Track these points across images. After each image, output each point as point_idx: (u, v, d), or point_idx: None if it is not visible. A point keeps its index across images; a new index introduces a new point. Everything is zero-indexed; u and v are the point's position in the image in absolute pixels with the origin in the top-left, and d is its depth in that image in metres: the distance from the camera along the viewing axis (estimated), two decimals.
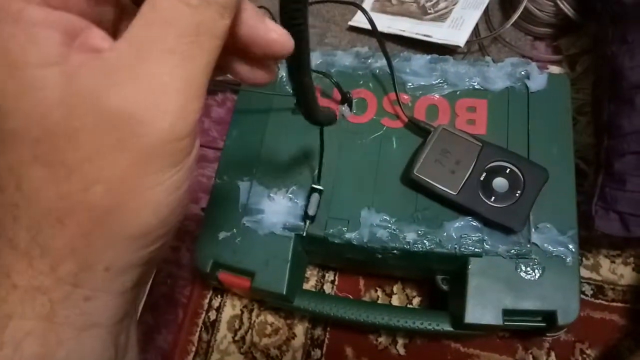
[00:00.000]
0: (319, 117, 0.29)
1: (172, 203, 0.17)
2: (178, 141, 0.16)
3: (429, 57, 0.49)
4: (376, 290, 0.49)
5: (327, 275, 0.51)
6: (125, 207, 0.16)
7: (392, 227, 0.41)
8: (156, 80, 0.15)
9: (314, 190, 0.42)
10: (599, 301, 0.46)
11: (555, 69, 0.58)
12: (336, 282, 0.50)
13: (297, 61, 0.22)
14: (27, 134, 0.15)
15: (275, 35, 0.18)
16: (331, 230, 0.42)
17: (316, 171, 0.43)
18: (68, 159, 0.15)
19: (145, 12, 0.15)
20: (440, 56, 0.49)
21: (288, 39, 0.19)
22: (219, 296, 0.51)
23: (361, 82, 0.49)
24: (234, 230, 0.44)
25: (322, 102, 0.48)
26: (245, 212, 0.44)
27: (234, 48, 0.18)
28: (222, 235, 0.44)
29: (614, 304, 0.45)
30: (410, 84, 0.48)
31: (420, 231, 0.41)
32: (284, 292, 0.41)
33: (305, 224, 0.42)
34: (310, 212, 0.41)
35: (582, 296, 0.45)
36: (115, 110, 0.15)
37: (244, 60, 0.20)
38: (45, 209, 0.16)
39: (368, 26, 0.63)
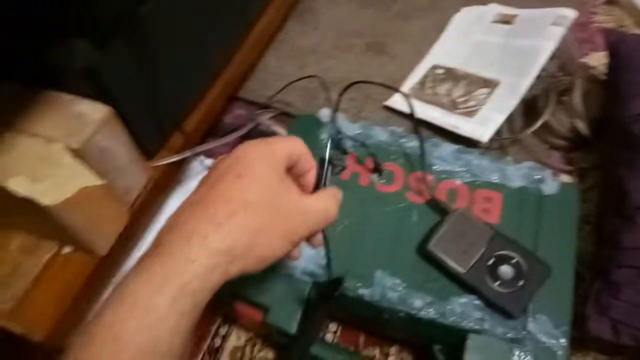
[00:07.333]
0: None
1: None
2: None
3: (456, 147, 0.54)
4: (374, 348, 0.52)
5: (330, 325, 0.53)
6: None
7: (403, 291, 0.45)
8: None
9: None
10: None
11: (566, 178, 0.63)
12: (338, 334, 0.53)
13: None
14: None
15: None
16: (346, 284, 0.45)
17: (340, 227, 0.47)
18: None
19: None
20: (466, 148, 0.54)
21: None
22: (226, 325, 0.54)
23: (393, 157, 0.54)
24: None
25: (356, 168, 0.54)
26: None
27: None
28: None
29: None
30: (436, 167, 0.53)
31: (428, 299, 0.44)
32: (294, 332, 0.44)
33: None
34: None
35: None
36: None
37: None
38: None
39: (403, 108, 0.70)
